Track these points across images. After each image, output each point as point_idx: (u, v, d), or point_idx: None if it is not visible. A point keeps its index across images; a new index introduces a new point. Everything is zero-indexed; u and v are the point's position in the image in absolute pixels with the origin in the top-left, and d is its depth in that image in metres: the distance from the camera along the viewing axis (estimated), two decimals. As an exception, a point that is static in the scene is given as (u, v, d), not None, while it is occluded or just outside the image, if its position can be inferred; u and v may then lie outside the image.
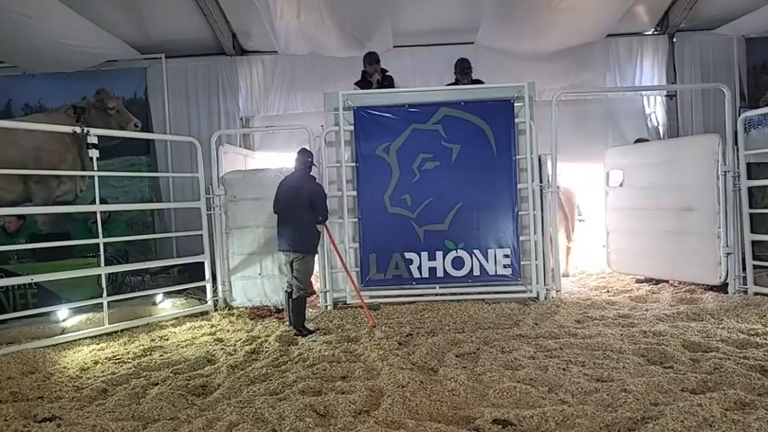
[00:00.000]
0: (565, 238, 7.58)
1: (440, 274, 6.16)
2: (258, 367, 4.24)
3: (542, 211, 6.14)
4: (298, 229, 5.25)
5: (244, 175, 6.68)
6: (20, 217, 7.26)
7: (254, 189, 6.30)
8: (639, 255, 6.91)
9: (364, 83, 6.83)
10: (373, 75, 6.77)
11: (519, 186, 6.11)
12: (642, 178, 6.80)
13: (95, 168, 5.65)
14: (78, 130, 5.47)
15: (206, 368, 4.33)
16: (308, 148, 5.78)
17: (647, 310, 5.56)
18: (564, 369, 3.79)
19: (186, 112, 8.54)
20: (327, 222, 5.60)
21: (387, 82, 6.83)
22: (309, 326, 5.36)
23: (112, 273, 6.21)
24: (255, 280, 6.46)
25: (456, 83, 6.84)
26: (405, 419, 3.11)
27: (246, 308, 6.38)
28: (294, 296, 5.29)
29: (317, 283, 6.12)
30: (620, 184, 7.04)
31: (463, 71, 6.81)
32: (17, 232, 7.15)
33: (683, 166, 6.31)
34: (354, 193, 6.23)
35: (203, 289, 6.54)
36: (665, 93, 8.57)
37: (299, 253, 5.28)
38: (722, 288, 6.02)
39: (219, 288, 6.52)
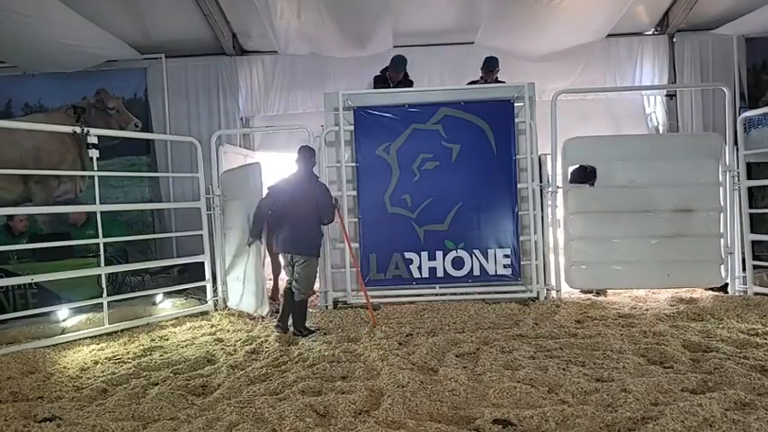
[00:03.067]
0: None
1: (440, 274, 6.16)
2: (258, 367, 4.24)
3: (542, 210, 6.14)
4: (300, 231, 5.18)
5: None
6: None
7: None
8: (618, 266, 6.00)
9: (383, 82, 6.73)
10: (394, 78, 6.65)
11: (519, 186, 6.11)
12: (624, 176, 5.97)
13: (95, 168, 5.65)
14: (78, 130, 5.47)
15: (206, 368, 4.33)
16: (310, 146, 5.68)
17: (647, 310, 5.56)
18: (564, 369, 3.79)
19: (186, 112, 8.53)
20: (333, 222, 5.55)
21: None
22: (309, 326, 5.36)
23: (112, 273, 6.21)
24: (255, 280, 6.45)
25: (481, 80, 6.76)
26: (405, 419, 3.11)
27: (246, 308, 6.38)
28: (296, 299, 5.26)
29: (317, 284, 6.10)
30: (591, 183, 6.08)
31: (488, 69, 6.73)
32: (23, 233, 7.15)
33: (682, 165, 5.94)
34: (354, 193, 6.22)
35: (203, 289, 6.54)
36: (665, 92, 8.57)
37: (300, 255, 5.23)
38: (722, 288, 6.03)
39: (219, 288, 6.53)
